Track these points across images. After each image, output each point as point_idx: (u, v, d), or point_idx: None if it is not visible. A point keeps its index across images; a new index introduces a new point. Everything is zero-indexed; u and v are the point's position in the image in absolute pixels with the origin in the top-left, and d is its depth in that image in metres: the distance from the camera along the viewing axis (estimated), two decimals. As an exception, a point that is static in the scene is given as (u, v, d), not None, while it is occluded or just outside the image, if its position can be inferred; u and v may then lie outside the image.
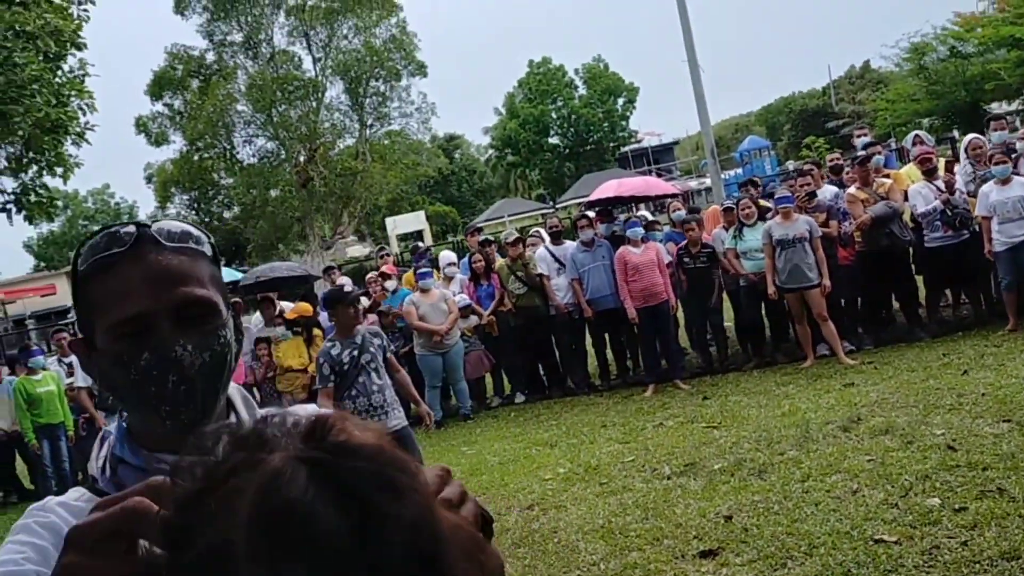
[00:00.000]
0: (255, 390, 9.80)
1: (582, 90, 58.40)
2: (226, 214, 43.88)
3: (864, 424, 6.07)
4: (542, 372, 10.36)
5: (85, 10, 9.23)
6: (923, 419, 5.89)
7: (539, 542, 5.19)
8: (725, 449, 6.28)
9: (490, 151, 64.88)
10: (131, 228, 1.12)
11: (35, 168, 7.65)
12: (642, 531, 5.02)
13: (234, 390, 1.23)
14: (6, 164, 7.62)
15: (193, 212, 45.88)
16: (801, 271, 8.34)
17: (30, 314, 34.85)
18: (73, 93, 8.56)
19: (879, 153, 9.52)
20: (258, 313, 10.92)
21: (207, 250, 1.17)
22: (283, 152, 34.86)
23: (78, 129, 8.55)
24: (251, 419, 1.10)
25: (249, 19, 34.62)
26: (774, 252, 8.48)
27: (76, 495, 1.14)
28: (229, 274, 14.25)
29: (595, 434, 7.72)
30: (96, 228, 1.18)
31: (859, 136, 11.09)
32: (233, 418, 1.20)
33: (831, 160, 10.22)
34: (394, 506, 0.51)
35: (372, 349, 5.77)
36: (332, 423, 0.56)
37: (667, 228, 10.59)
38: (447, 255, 11.23)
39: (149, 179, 38.96)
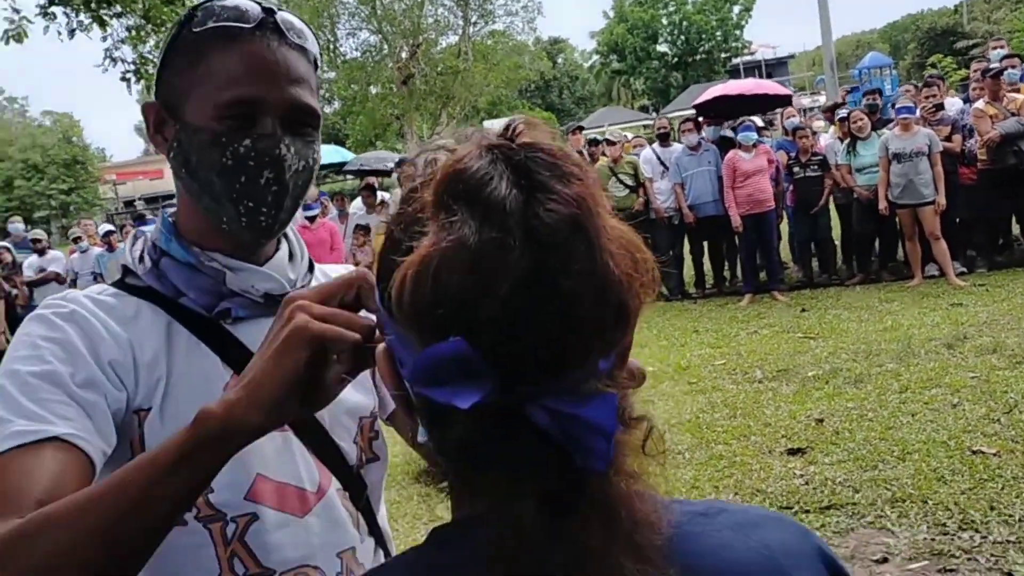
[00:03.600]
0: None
1: (696, -5, 56.01)
2: (327, 108, 44.37)
3: (970, 343, 5.88)
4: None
5: None
6: (1035, 342, 5.67)
7: (626, 430, 5.27)
8: (821, 358, 6.19)
9: (595, 57, 63.32)
10: (256, 7, 1.05)
11: (153, 40, 7.81)
12: (729, 428, 5.05)
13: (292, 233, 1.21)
14: (127, 34, 7.82)
15: (297, 104, 46.38)
16: (916, 187, 7.98)
17: (139, 196, 36.38)
18: (193, -34, 8.55)
19: (1014, 67, 8.89)
20: (358, 200, 11.10)
21: (315, 55, 1.11)
22: (386, 47, 34.76)
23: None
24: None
25: (359, -95, 34.15)
26: (889, 165, 8.12)
27: (99, 289, 1.10)
28: (338, 153, 14.42)
29: (686, 338, 7.71)
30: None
31: (995, 48, 10.35)
32: (285, 248, 1.17)
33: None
34: (559, 185, 0.58)
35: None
36: (521, 127, 0.63)
37: (779, 137, 10.22)
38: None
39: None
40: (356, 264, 10.04)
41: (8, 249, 10.80)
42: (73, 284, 10.78)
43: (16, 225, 12.08)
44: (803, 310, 8.06)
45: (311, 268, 1.21)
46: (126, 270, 1.12)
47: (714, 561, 0.63)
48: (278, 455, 1.08)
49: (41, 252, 10.94)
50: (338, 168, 13.84)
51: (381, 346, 0.67)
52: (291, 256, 1.18)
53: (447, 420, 0.58)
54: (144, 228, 1.19)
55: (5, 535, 0.76)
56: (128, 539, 0.76)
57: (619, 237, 0.61)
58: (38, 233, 11.44)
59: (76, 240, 10.98)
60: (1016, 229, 8.91)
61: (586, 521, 0.57)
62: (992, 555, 3.17)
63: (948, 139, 8.26)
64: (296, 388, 0.73)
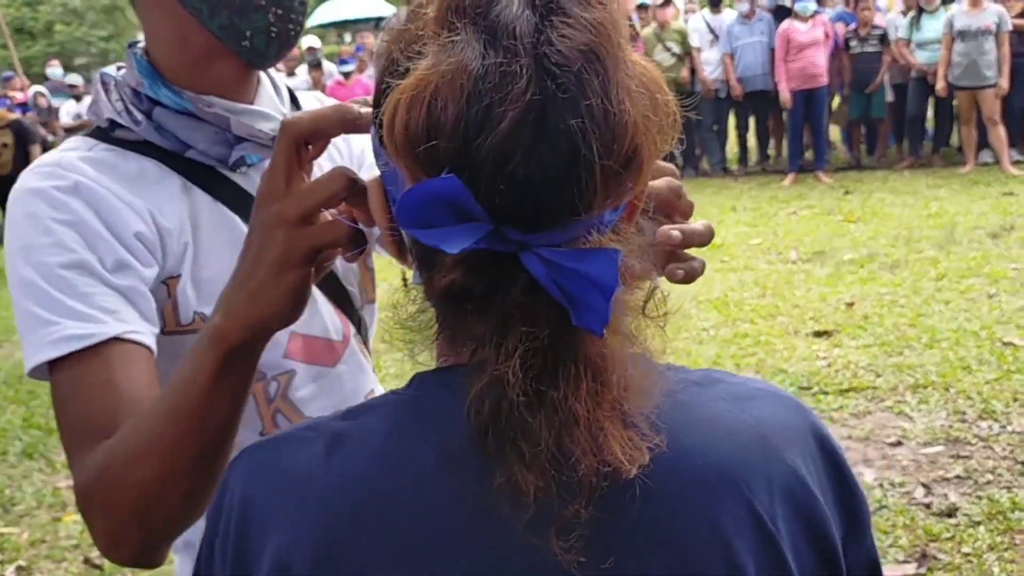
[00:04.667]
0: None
1: None
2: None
3: (1016, 233, 5.70)
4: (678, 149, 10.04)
5: None
6: (1085, 235, 5.48)
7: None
8: (859, 242, 6.06)
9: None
10: None
11: None
12: (758, 307, 5.00)
13: None
14: None
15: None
16: (978, 68, 7.57)
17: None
18: None
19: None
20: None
21: None
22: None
23: None
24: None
25: None
26: (952, 43, 7.68)
27: (88, 145, 0.99)
28: (377, 6, 13.81)
29: (723, 216, 7.56)
30: None
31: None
32: (267, 80, 1.10)
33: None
34: (578, 8, 0.53)
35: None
36: None
37: (839, 8, 9.67)
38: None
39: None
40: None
41: (43, 95, 10.79)
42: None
43: (54, 70, 12.04)
44: (847, 192, 7.84)
45: (293, 99, 1.14)
46: (112, 123, 1.00)
47: (704, 433, 0.59)
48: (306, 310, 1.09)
49: (78, 98, 10.93)
50: (376, 23, 13.37)
51: (375, 177, 0.62)
52: (275, 88, 1.10)
53: (437, 263, 0.55)
54: (107, 71, 1.04)
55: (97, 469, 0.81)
56: (199, 454, 0.78)
57: (639, 74, 0.55)
58: (74, 78, 11.39)
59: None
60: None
61: (574, 385, 0.53)
62: (1008, 444, 3.14)
63: (1021, 15, 7.77)
64: (305, 290, 0.71)
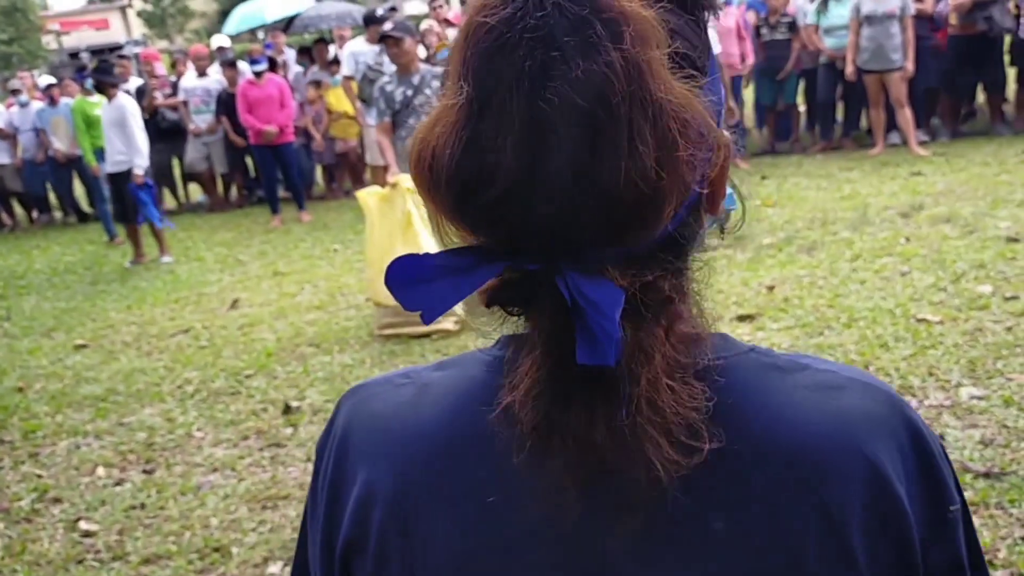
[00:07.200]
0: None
1: None
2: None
3: (926, 212, 5.89)
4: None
5: None
6: (988, 211, 5.68)
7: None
8: (777, 226, 6.18)
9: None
10: None
11: None
12: (682, 294, 5.04)
13: None
14: None
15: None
16: (885, 52, 7.80)
17: (85, 47, 34.66)
18: None
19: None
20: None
21: None
22: None
23: None
24: None
25: None
26: (859, 28, 7.89)
27: None
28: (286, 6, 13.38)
29: (645, 204, 7.64)
30: None
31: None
32: None
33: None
34: (579, 57, 0.51)
35: (428, 91, 5.60)
36: None
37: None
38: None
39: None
40: (311, 122, 9.71)
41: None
42: (13, 140, 10.32)
43: (-50, 76, 11.43)
44: (763, 178, 8.00)
45: None
46: None
47: (773, 423, 0.58)
48: None
49: (-19, 103, 10.42)
50: (288, 23, 12.91)
51: None
52: None
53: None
54: None
55: None
56: None
57: (667, 102, 0.51)
58: (-27, 83, 10.84)
59: (15, 92, 10.44)
60: (981, 98, 8.82)
61: (588, 410, 0.54)
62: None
63: (922, 0, 8.03)
64: None
